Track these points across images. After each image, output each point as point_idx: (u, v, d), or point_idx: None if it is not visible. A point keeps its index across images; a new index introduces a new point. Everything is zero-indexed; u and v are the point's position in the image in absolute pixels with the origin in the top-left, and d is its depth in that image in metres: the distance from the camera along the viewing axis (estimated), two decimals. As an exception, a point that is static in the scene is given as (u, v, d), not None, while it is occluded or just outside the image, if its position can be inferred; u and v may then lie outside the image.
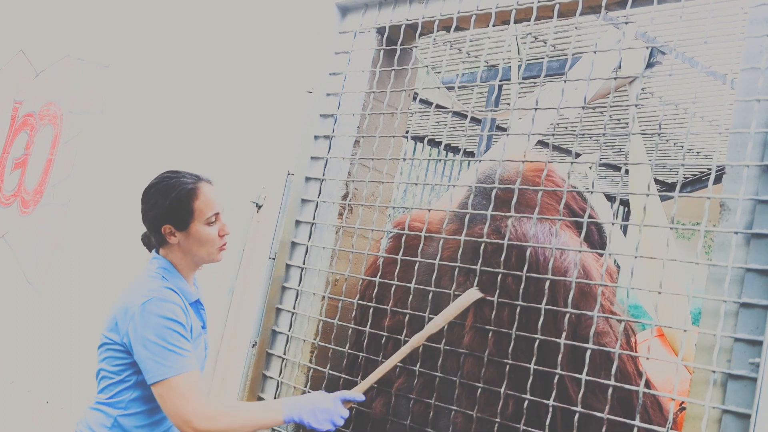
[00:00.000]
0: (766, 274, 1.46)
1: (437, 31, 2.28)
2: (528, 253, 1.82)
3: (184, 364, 1.84)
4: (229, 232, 2.00)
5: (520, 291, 1.81)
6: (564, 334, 1.71)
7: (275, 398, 2.38)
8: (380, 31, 2.44)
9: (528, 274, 1.81)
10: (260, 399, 2.45)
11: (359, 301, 2.23)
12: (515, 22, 2.09)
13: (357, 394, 1.95)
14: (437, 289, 1.98)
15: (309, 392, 2.22)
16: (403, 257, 2.08)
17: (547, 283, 1.76)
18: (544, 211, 2.00)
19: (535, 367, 1.73)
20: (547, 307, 1.74)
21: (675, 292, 1.78)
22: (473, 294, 1.87)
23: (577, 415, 1.65)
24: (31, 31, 4.66)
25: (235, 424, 1.82)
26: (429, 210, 2.14)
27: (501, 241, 1.86)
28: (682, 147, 6.83)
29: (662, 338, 2.76)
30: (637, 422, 1.56)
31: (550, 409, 1.70)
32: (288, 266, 2.48)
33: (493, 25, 2.14)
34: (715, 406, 1.47)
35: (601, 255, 1.99)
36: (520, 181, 1.94)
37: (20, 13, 4.82)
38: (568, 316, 1.72)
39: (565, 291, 1.76)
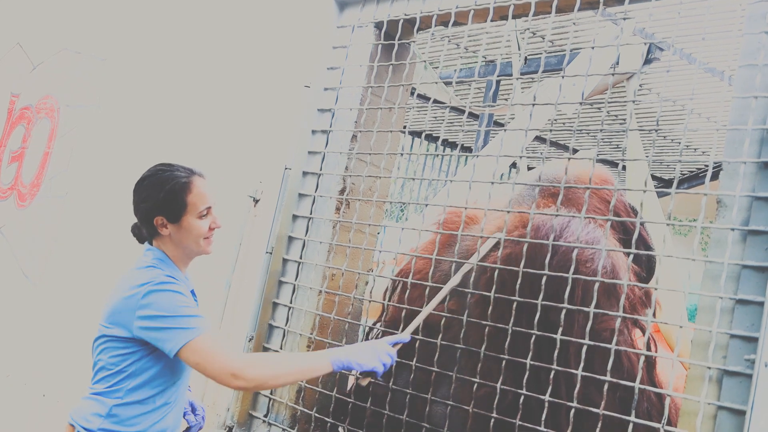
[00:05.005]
0: (762, 270, 1.46)
1: (435, 26, 2.28)
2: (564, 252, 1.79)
3: (201, 324, 1.84)
4: (220, 225, 2.00)
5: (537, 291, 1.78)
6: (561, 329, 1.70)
7: (272, 392, 2.39)
8: (378, 25, 2.43)
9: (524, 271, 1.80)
10: (257, 392, 2.45)
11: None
12: (513, 17, 2.09)
13: (404, 335, 1.98)
14: (472, 291, 1.96)
15: (306, 387, 2.23)
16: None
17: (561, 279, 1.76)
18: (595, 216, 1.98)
19: (555, 367, 1.72)
20: (544, 304, 1.74)
21: (671, 288, 1.78)
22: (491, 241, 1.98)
23: (573, 411, 1.66)
24: (29, 24, 4.64)
25: (282, 371, 1.82)
26: (486, 210, 2.03)
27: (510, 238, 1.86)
28: (680, 143, 6.85)
29: (658, 334, 2.77)
30: (632, 418, 1.56)
31: (546, 404, 1.71)
32: (285, 261, 2.48)
33: (491, 21, 2.14)
34: (710, 402, 1.47)
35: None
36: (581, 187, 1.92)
37: (17, 6, 4.81)
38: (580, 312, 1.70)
39: (584, 287, 1.74)
